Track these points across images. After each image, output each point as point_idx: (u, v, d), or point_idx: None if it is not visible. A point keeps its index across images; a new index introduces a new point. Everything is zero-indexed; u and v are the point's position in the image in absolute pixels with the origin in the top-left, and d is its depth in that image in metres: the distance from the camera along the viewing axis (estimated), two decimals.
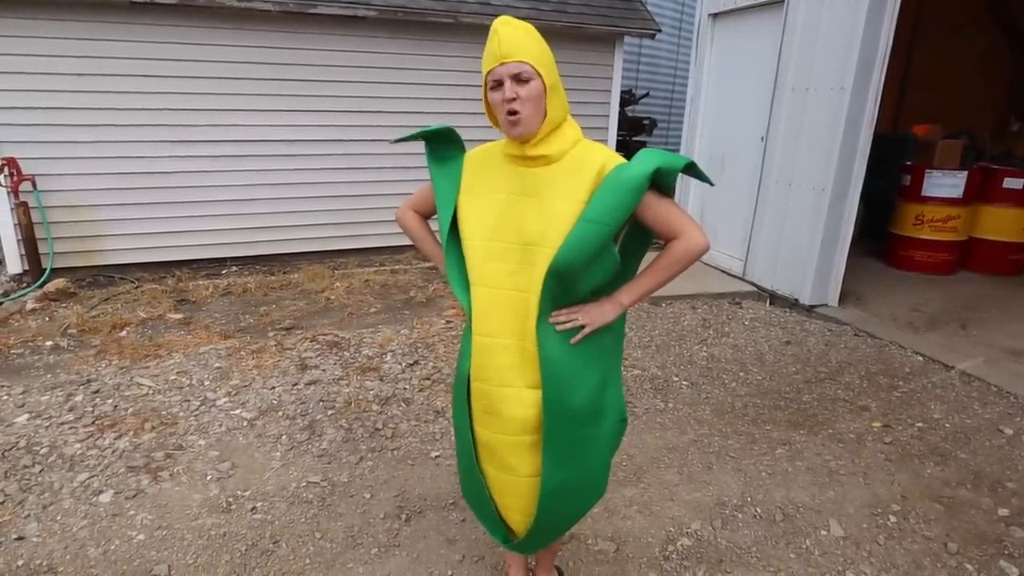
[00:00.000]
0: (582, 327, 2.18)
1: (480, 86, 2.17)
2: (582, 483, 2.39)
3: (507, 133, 2.10)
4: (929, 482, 4.01)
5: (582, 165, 2.10)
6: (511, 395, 2.24)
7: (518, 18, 1.98)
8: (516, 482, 2.37)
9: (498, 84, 2.03)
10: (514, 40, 1.98)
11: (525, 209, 2.12)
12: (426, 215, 2.55)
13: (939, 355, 5.84)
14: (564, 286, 2.10)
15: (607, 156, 2.11)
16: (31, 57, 6.58)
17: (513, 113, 2.01)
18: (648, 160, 2.04)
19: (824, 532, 3.53)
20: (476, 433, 2.39)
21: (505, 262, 2.14)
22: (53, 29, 6.58)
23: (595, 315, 2.19)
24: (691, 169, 2.12)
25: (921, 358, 5.84)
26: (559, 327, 2.16)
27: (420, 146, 2.39)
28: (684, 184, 9.11)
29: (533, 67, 1.99)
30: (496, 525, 2.55)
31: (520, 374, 2.21)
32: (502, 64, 1.99)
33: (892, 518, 3.65)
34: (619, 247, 2.23)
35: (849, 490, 3.91)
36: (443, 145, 2.34)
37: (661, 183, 2.09)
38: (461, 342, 2.40)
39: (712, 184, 2.32)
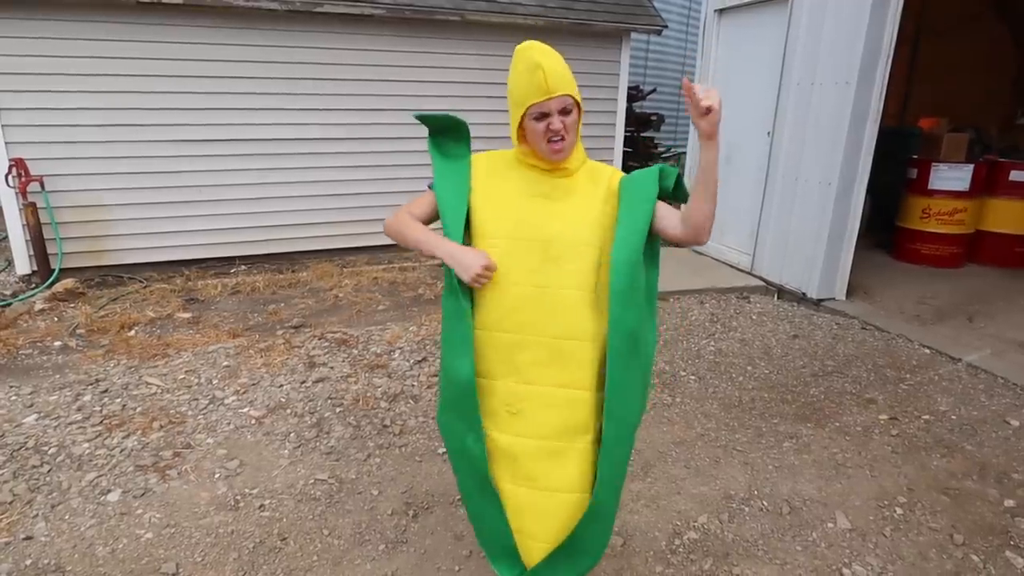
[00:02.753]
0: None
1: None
2: (613, 503, 2.36)
3: (547, 156, 2.18)
4: (935, 474, 4.01)
5: (594, 177, 2.28)
6: (536, 393, 2.23)
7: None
8: (535, 497, 2.26)
9: (544, 115, 2.10)
10: (557, 74, 2.06)
11: (549, 211, 2.22)
12: (424, 223, 2.40)
13: (946, 348, 5.83)
14: (634, 279, 2.14)
15: (611, 172, 2.31)
16: (38, 58, 6.61)
17: (558, 140, 2.13)
18: (652, 168, 2.25)
19: (830, 524, 3.53)
20: (495, 440, 2.29)
21: (528, 260, 2.20)
22: (60, 30, 6.61)
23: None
24: (680, 180, 2.23)
25: (928, 351, 5.83)
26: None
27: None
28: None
29: (573, 98, 2.11)
30: (511, 556, 2.37)
31: (546, 372, 2.22)
32: (550, 99, 2.07)
33: (898, 510, 3.65)
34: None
35: (856, 483, 3.91)
36: (451, 140, 2.37)
37: (662, 192, 2.23)
38: (450, 345, 2.31)
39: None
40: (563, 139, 2.12)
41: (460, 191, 2.29)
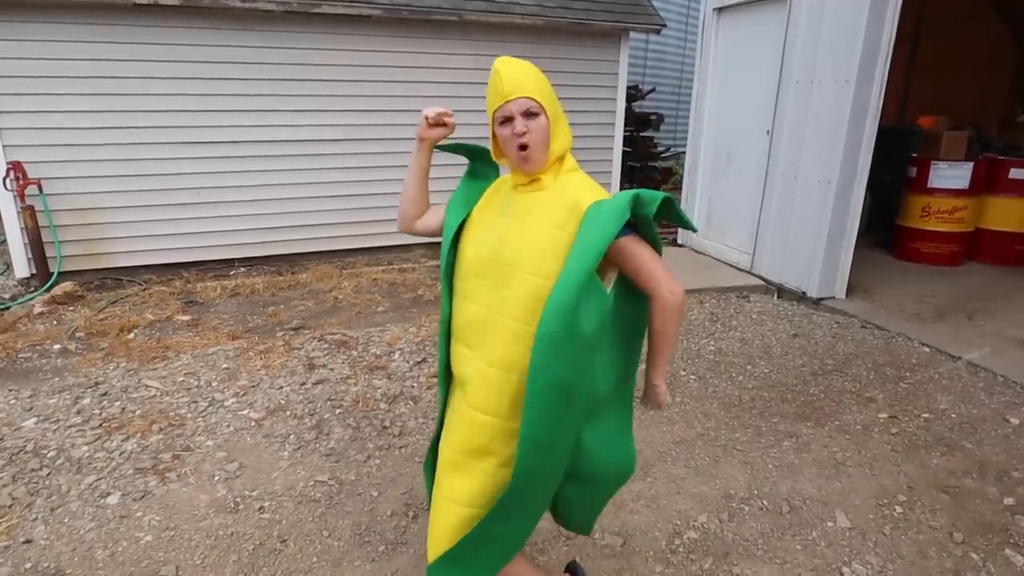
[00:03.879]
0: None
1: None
2: (509, 533, 2.24)
3: (518, 167, 2.15)
4: (935, 472, 4.01)
5: (562, 194, 2.13)
6: (454, 408, 2.28)
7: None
8: (435, 501, 2.29)
9: (508, 120, 2.08)
10: (517, 79, 2.05)
11: (507, 230, 2.16)
12: (424, 222, 2.46)
13: (946, 346, 5.83)
14: (571, 326, 1.92)
15: (585, 191, 2.12)
16: (35, 61, 6.60)
17: (524, 148, 2.08)
18: (627, 192, 2.03)
19: (830, 523, 3.53)
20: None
21: (484, 280, 2.17)
22: (57, 32, 6.61)
23: (655, 402, 2.35)
24: (669, 206, 2.05)
25: (928, 349, 5.83)
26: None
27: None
28: (691, 179, 9.10)
29: (539, 103, 2.06)
30: None
31: (467, 388, 2.20)
32: (508, 101, 2.05)
33: (898, 508, 3.65)
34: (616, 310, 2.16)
35: (855, 481, 3.90)
36: (482, 163, 2.44)
37: (641, 221, 2.04)
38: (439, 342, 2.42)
39: (695, 231, 2.39)
40: (529, 145, 2.06)
41: (463, 206, 2.35)
